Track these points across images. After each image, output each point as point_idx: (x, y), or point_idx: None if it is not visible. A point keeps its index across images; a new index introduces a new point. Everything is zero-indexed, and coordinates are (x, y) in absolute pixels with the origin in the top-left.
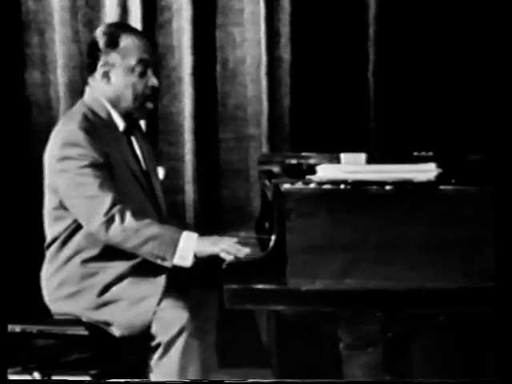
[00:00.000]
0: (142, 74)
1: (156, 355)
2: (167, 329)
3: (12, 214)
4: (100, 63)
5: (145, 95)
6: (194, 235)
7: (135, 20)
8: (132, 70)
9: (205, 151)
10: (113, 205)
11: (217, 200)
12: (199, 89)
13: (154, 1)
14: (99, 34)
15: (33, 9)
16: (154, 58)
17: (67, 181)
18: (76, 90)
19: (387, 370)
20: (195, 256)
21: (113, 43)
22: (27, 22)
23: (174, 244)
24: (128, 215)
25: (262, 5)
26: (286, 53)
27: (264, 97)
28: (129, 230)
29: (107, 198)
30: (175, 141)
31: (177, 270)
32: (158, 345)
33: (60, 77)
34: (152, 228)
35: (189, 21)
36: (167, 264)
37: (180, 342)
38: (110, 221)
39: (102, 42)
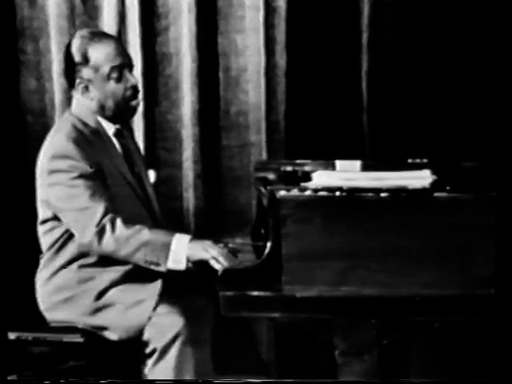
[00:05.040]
0: (119, 79)
1: (151, 361)
2: (162, 334)
3: (8, 221)
4: (77, 80)
5: (126, 97)
6: (186, 238)
7: (133, 28)
8: (107, 78)
9: (207, 158)
10: (104, 215)
11: (218, 207)
12: (201, 95)
13: (152, 8)
14: (71, 49)
15: (28, 16)
16: (126, 59)
17: (59, 193)
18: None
19: (383, 377)
20: (187, 259)
21: (83, 59)
22: (22, 29)
23: (166, 248)
24: (118, 224)
25: (261, 12)
26: (281, 59)
27: (263, 104)
28: (120, 238)
29: (99, 209)
30: (173, 148)
31: (172, 275)
32: (153, 351)
33: (55, 84)
34: (143, 234)
35: (191, 27)
36: (161, 269)
37: (175, 348)
38: (101, 231)
39: (74, 59)
